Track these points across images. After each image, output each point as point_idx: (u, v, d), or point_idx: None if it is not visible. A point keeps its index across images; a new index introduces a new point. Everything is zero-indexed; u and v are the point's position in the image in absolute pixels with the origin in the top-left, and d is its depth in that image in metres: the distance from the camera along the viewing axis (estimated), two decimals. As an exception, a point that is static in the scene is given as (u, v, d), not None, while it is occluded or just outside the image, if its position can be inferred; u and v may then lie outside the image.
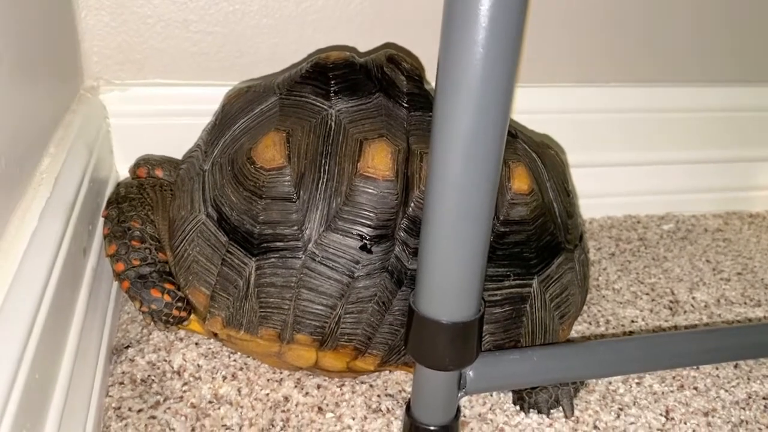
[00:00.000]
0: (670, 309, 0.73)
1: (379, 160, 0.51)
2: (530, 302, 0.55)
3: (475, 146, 0.41)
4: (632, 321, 0.71)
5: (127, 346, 0.60)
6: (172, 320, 0.55)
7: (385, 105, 0.55)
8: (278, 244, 0.51)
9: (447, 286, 0.46)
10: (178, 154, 0.72)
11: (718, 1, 0.84)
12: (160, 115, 0.74)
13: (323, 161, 0.51)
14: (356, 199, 0.51)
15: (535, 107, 0.83)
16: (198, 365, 0.58)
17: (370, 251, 0.51)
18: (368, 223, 0.51)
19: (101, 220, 0.60)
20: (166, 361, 0.58)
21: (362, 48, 0.74)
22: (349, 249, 0.51)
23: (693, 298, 0.75)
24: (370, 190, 0.51)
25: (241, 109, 0.57)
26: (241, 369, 0.58)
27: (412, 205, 0.52)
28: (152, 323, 0.56)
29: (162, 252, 0.56)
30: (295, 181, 0.51)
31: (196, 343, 0.60)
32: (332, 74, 0.56)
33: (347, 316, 0.51)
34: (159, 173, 0.65)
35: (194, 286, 0.54)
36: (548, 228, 0.56)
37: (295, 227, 0.51)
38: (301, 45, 0.74)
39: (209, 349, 0.60)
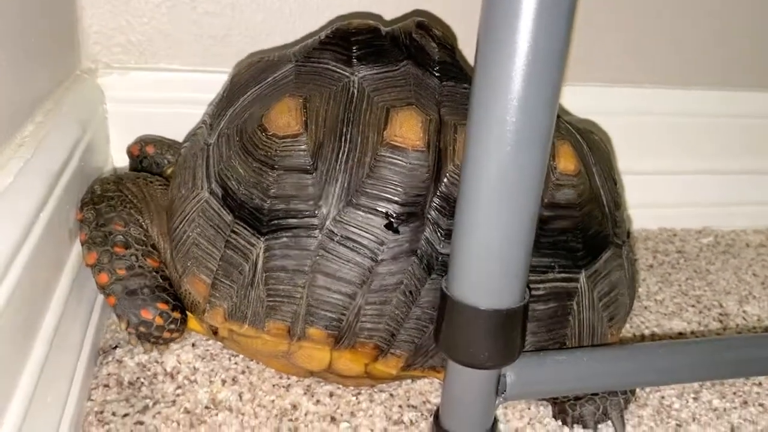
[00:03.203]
0: (720, 321, 0.66)
1: (408, 129, 0.45)
2: (577, 299, 0.48)
3: (524, 106, 0.35)
4: (680, 333, 0.63)
5: (116, 347, 0.53)
6: (161, 342, 0.49)
7: (414, 73, 0.49)
8: (291, 221, 0.44)
9: (487, 266, 0.40)
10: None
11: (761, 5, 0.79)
12: (163, 103, 0.68)
13: (344, 129, 0.45)
14: (382, 171, 0.44)
15: (564, 108, 0.77)
16: (194, 368, 0.51)
17: (396, 231, 0.44)
18: (395, 199, 0.44)
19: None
20: (158, 362, 0.51)
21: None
22: (373, 228, 0.44)
23: (744, 311, 0.68)
24: (397, 162, 0.44)
25: (251, 78, 0.51)
26: (243, 372, 0.51)
27: (445, 181, 0.45)
28: (138, 343, 0.49)
29: (151, 257, 0.49)
30: (312, 151, 0.45)
31: (193, 345, 0.53)
32: (355, 39, 0.50)
33: (368, 307, 0.44)
34: (150, 150, 0.60)
35: (193, 273, 0.47)
36: (596, 217, 0.50)
37: (311, 202, 0.44)
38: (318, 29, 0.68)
39: (207, 350, 0.53)
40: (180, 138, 0.67)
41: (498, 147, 0.37)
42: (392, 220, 0.44)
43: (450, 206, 0.45)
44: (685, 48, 0.79)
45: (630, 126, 0.81)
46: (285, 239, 0.44)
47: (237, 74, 0.53)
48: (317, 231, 0.44)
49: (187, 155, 0.52)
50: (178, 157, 0.54)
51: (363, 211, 0.44)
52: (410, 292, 0.45)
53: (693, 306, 0.68)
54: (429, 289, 0.45)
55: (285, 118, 0.45)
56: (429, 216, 0.45)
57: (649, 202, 0.86)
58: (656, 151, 0.84)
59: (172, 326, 0.48)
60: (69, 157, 0.50)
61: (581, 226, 0.48)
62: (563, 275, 0.48)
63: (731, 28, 0.79)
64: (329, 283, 0.44)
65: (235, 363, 0.52)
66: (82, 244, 0.49)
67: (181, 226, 0.48)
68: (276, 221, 0.45)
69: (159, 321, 0.48)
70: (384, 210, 0.44)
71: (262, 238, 0.45)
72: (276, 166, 0.45)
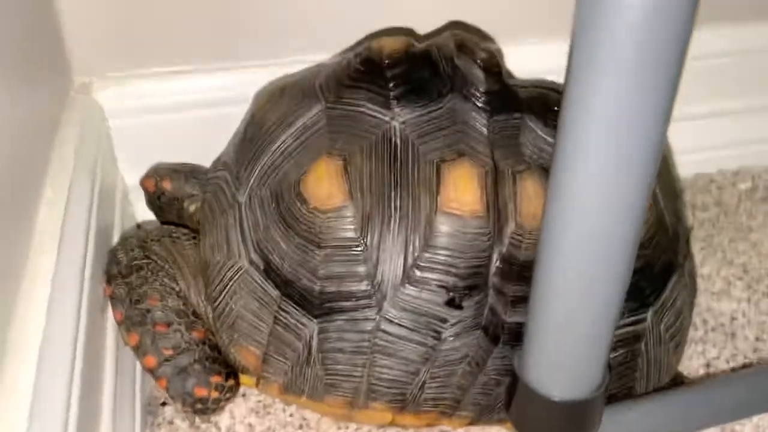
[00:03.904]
0: (770, 297, 0.64)
1: (463, 190, 0.40)
2: (645, 340, 0.46)
3: (625, 152, 0.31)
4: (732, 318, 0.62)
5: (164, 403, 0.51)
6: (217, 410, 0.46)
7: (460, 110, 0.44)
8: (345, 303, 0.41)
9: (564, 357, 0.37)
10: (194, 154, 0.61)
11: None
12: (167, 109, 0.61)
13: (392, 194, 0.41)
14: (438, 242, 0.40)
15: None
16: (249, 424, 0.50)
17: (459, 306, 0.41)
18: (455, 271, 0.41)
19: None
20: (210, 422, 0.50)
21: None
22: (433, 306, 0.41)
23: (791, 280, 0.66)
24: (455, 231, 0.40)
25: (277, 122, 0.46)
26: (301, 428, 0.50)
27: (507, 242, 0.41)
28: (193, 418, 0.47)
29: (195, 329, 0.46)
30: (361, 224, 0.41)
31: (243, 395, 0.52)
32: (391, 73, 0.44)
33: (432, 381, 0.42)
34: (167, 186, 0.55)
35: (240, 344, 0.45)
36: (662, 245, 0.47)
37: (365, 282, 0.41)
38: (349, 13, 0.60)
39: (259, 402, 0.51)
40: (191, 144, 0.62)
41: (585, 215, 0.33)
42: (454, 294, 0.41)
43: (513, 269, 0.42)
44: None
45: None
46: (340, 322, 0.41)
47: (258, 110, 0.48)
48: (374, 313, 0.41)
49: (214, 206, 0.47)
50: (203, 204, 0.50)
51: (421, 289, 0.41)
52: (477, 363, 0.42)
53: (740, 279, 0.66)
54: (496, 356, 0.43)
55: (326, 187, 0.41)
56: (492, 283, 0.41)
57: (683, 147, 0.81)
58: (685, 94, 0.78)
59: (228, 394, 0.46)
60: (89, 227, 0.46)
61: (649, 263, 0.45)
62: (632, 319, 0.45)
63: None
64: (391, 362, 0.42)
65: (291, 415, 0.50)
66: (119, 324, 0.46)
67: (222, 297, 0.45)
68: (328, 304, 0.41)
69: (215, 395, 0.45)
70: (444, 285, 0.41)
71: (314, 320, 0.42)
72: (322, 245, 0.41)
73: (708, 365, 0.57)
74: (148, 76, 0.60)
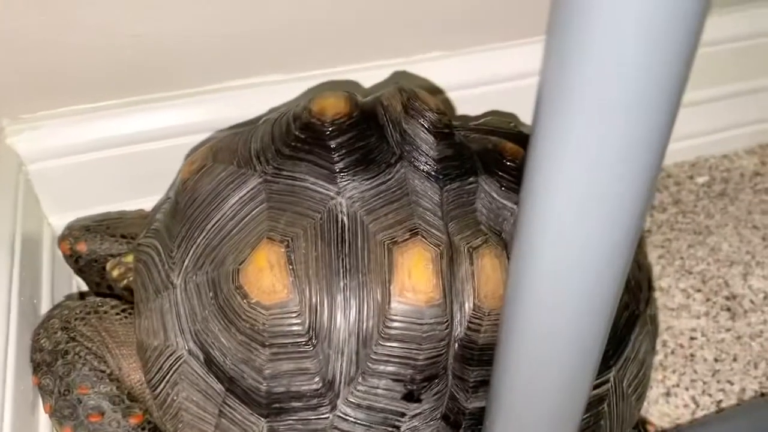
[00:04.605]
0: (728, 309, 0.64)
1: (418, 277, 0.37)
2: (608, 400, 0.45)
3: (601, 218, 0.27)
4: (691, 337, 0.61)
5: (110, 480, 0.48)
6: None
7: (411, 180, 0.40)
8: (295, 404, 0.38)
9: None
10: (123, 191, 0.57)
11: None
12: (91, 149, 0.56)
13: (342, 284, 0.38)
14: (393, 335, 0.38)
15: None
16: (203, 500, 0.47)
17: (418, 400, 0.39)
18: (412, 363, 0.38)
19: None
20: (162, 500, 0.47)
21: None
22: (390, 401, 0.38)
23: (749, 287, 0.66)
24: (411, 323, 0.37)
25: (212, 195, 0.41)
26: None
27: (466, 326, 0.39)
28: None
29: (132, 414, 0.43)
30: (308, 318, 0.37)
31: (195, 465, 0.49)
32: (335, 143, 0.40)
33: (393, 470, 0.40)
34: (82, 248, 0.51)
35: (186, 433, 0.42)
36: (624, 303, 0.45)
37: (317, 379, 0.38)
38: (284, 40, 0.55)
39: (212, 472, 0.49)
40: (118, 183, 0.58)
41: (553, 295, 0.31)
42: (411, 388, 0.38)
43: (473, 354, 0.39)
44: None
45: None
46: (291, 422, 0.39)
47: (190, 178, 0.43)
48: (327, 410, 0.38)
49: (146, 282, 0.43)
50: (135, 278, 0.45)
51: (376, 384, 0.38)
52: (438, 450, 0.40)
53: (699, 290, 0.66)
54: (458, 441, 0.41)
55: (268, 279, 0.37)
56: (451, 370, 0.39)
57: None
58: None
59: None
60: (10, 296, 0.43)
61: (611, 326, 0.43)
62: (595, 382, 0.44)
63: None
64: (347, 457, 0.39)
65: (246, 487, 0.48)
66: (50, 416, 0.43)
67: (163, 387, 0.42)
68: (277, 405, 0.38)
69: None
70: (401, 379, 0.38)
71: (263, 420, 0.39)
72: (266, 343, 0.38)
73: (668, 393, 0.57)
74: (66, 114, 0.55)
